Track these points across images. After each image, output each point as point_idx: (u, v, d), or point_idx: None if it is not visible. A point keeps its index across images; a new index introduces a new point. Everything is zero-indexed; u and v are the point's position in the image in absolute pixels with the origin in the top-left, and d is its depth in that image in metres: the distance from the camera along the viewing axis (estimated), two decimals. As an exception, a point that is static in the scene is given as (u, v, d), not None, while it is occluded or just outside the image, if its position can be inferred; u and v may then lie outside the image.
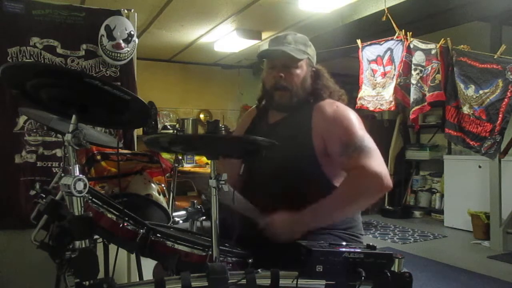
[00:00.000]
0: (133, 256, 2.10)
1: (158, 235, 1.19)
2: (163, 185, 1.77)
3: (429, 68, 3.84)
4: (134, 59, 2.51)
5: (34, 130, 2.26)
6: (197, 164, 5.20)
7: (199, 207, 1.66)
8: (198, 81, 6.55)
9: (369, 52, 4.19)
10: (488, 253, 4.21)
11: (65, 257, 1.06)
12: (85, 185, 1.06)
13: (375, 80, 4.14)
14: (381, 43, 4.07)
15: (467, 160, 5.28)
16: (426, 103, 3.87)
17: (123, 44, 2.38)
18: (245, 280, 1.09)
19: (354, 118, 1.51)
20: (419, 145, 6.43)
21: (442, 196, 5.81)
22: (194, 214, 1.65)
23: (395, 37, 3.95)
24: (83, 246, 1.06)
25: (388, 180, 1.40)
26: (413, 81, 3.90)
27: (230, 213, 1.38)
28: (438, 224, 5.62)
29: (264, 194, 1.49)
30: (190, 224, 1.66)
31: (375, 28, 4.17)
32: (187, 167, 5.05)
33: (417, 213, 6.25)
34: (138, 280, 1.92)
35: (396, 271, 1.17)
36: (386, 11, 3.66)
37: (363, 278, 1.13)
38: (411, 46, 3.91)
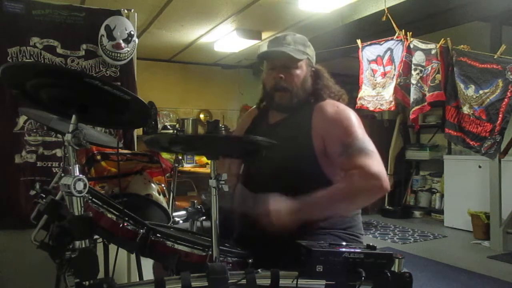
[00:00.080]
0: (133, 256, 2.10)
1: (158, 235, 1.19)
2: (163, 185, 1.77)
3: (429, 68, 3.84)
4: (134, 59, 2.51)
5: (34, 130, 2.26)
6: (197, 164, 5.20)
7: (199, 207, 1.66)
8: (198, 81, 6.55)
9: (369, 52, 4.19)
10: (488, 253, 4.21)
11: (65, 257, 1.06)
12: (85, 185, 1.06)
13: (375, 80, 4.14)
14: (381, 43, 4.07)
15: (467, 160, 5.28)
16: (426, 103, 3.87)
17: (123, 44, 2.38)
18: (245, 280, 1.09)
19: (355, 119, 1.51)
20: (419, 145, 6.43)
21: (442, 196, 5.81)
22: (194, 214, 1.65)
23: (395, 37, 3.95)
24: (83, 246, 1.06)
25: (387, 183, 1.40)
26: (413, 81, 3.90)
27: (230, 213, 1.38)
28: (438, 224, 5.62)
29: (265, 194, 1.49)
30: (190, 224, 1.66)
31: (375, 28, 4.17)
32: (187, 167, 5.05)
33: (417, 213, 6.25)
34: (138, 280, 1.92)
35: (396, 271, 1.17)
36: (386, 11, 3.66)
37: (363, 278, 1.13)
38: (411, 46, 3.91)
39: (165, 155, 2.26)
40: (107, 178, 1.64)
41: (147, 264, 1.63)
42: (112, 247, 1.39)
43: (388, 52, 4.02)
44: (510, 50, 3.59)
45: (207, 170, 4.77)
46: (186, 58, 6.22)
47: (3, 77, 1.08)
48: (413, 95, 3.88)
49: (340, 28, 4.31)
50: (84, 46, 2.37)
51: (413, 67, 3.91)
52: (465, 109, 3.76)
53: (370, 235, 5.03)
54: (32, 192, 1.28)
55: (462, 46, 3.78)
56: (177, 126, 5.93)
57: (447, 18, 3.99)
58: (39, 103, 1.24)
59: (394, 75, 3.97)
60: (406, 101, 3.98)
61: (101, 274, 1.08)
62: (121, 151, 1.95)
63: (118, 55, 2.38)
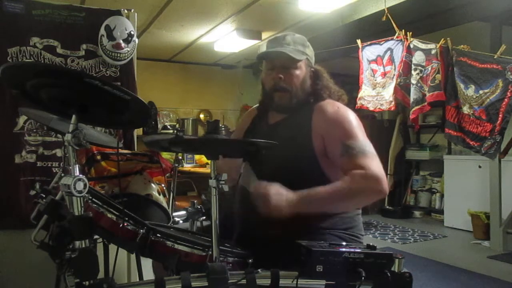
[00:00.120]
0: (133, 256, 2.10)
1: (158, 235, 1.19)
2: (163, 185, 1.77)
3: (429, 68, 3.84)
4: (134, 59, 2.51)
5: (34, 130, 2.26)
6: (197, 164, 5.20)
7: (199, 207, 1.66)
8: (198, 81, 6.55)
9: (369, 52, 4.19)
10: (488, 253, 4.22)
11: (65, 257, 1.06)
12: (85, 185, 1.06)
13: (375, 80, 4.14)
14: (381, 43, 4.07)
15: (467, 160, 5.28)
16: (426, 103, 3.87)
17: (123, 44, 2.38)
18: (245, 280, 1.09)
19: (355, 121, 1.51)
20: (419, 145, 6.43)
21: (442, 196, 5.81)
22: (194, 214, 1.65)
23: (395, 37, 3.95)
24: (83, 246, 1.06)
25: (386, 186, 1.40)
26: (413, 81, 3.90)
27: (230, 213, 1.38)
28: (438, 224, 5.62)
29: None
30: (190, 224, 1.66)
31: (375, 28, 4.17)
32: (187, 167, 5.05)
33: (417, 213, 6.25)
34: (138, 280, 1.92)
35: (396, 271, 1.17)
36: (386, 11, 3.66)
37: (363, 278, 1.13)
38: (411, 46, 3.91)
39: (165, 155, 2.26)
40: (107, 178, 1.64)
41: (147, 264, 1.63)
42: (112, 247, 1.39)
43: (388, 52, 4.02)
44: (510, 50, 3.58)
45: (207, 170, 4.76)
46: (186, 58, 6.22)
47: (3, 77, 1.08)
48: (413, 95, 3.88)
49: (340, 28, 4.31)
50: (84, 46, 2.37)
51: (413, 67, 3.91)
52: (465, 109, 3.76)
53: (370, 235, 5.03)
54: (32, 192, 1.28)
55: (462, 46, 3.78)
56: (177, 126, 5.93)
57: (447, 18, 3.99)
58: (39, 103, 1.24)
59: (394, 75, 3.97)
60: (406, 101, 3.98)
61: (101, 274, 1.08)
62: (121, 151, 1.95)
63: (118, 55, 2.38)
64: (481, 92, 3.64)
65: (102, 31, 2.35)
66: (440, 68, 3.78)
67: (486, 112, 3.61)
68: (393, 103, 3.96)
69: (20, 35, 2.25)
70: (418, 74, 3.89)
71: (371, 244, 1.23)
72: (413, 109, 3.90)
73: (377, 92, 4.10)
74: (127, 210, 1.18)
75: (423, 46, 3.88)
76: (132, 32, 2.42)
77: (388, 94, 3.98)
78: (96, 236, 1.22)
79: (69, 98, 1.14)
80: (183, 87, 6.49)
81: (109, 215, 1.17)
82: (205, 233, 1.42)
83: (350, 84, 3.94)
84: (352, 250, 1.17)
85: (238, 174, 1.56)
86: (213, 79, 6.66)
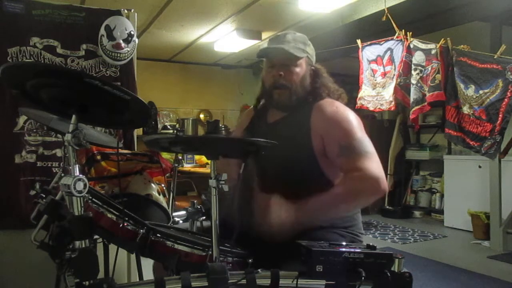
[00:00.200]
0: (133, 256, 2.10)
1: (158, 235, 1.19)
2: (163, 185, 1.77)
3: (429, 68, 3.84)
4: (134, 59, 2.51)
5: (34, 130, 2.26)
6: (197, 164, 5.20)
7: (199, 207, 1.66)
8: (198, 81, 6.55)
9: (369, 52, 4.19)
10: (488, 253, 4.21)
11: (65, 257, 1.06)
12: (85, 185, 1.06)
13: (375, 80, 4.14)
14: (381, 43, 4.07)
15: (467, 160, 5.28)
16: (426, 103, 3.87)
17: (123, 44, 2.38)
18: (245, 280, 1.09)
19: (354, 120, 1.51)
20: (419, 145, 6.43)
21: (442, 196, 5.81)
22: (194, 214, 1.65)
23: (395, 37, 3.95)
24: (83, 246, 1.06)
25: (385, 185, 1.40)
26: (413, 81, 3.90)
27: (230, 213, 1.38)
28: (438, 224, 5.62)
29: (264, 194, 1.49)
30: (190, 224, 1.66)
31: (375, 28, 4.17)
32: (187, 167, 5.05)
33: (417, 213, 6.25)
34: (138, 280, 1.92)
35: (396, 271, 1.17)
36: (386, 11, 3.66)
37: (363, 278, 1.13)
38: (411, 46, 3.91)
39: (165, 155, 2.26)
40: (107, 178, 1.64)
41: (147, 264, 1.63)
42: (112, 247, 1.39)
43: (388, 52, 4.02)
44: (510, 50, 3.58)
45: (207, 170, 4.76)
46: (186, 58, 6.22)
47: (3, 77, 1.08)
48: (413, 95, 3.88)
49: (340, 28, 4.31)
50: (84, 46, 2.37)
51: (413, 67, 3.91)
52: (465, 109, 3.76)
53: (370, 235, 5.03)
54: (32, 192, 1.28)
55: (462, 46, 3.78)
56: (177, 126, 5.93)
57: (447, 18, 3.99)
58: (39, 103, 1.24)
59: (394, 75, 3.97)
60: (406, 101, 3.98)
61: (101, 274, 1.08)
62: (121, 151, 1.95)
63: (118, 55, 2.38)
64: (481, 92, 3.64)
65: (102, 31, 2.35)
66: (440, 68, 3.78)
67: (486, 112, 3.61)
68: (393, 103, 3.95)
69: (20, 35, 2.25)
70: (418, 74, 3.89)
71: (371, 244, 1.23)
72: (413, 109, 3.90)
73: (377, 92, 4.10)
74: (127, 210, 1.18)
75: (423, 46, 3.88)
76: (132, 32, 2.42)
77: (388, 94, 3.98)
78: (96, 236, 1.22)
79: (69, 98, 1.14)
80: (183, 87, 6.49)
81: (109, 215, 1.17)
82: (205, 233, 1.42)
83: (350, 84, 3.93)
84: (352, 250, 1.17)
85: (238, 174, 1.56)
86: (213, 79, 6.66)
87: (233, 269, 1.16)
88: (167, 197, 1.78)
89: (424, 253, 4.18)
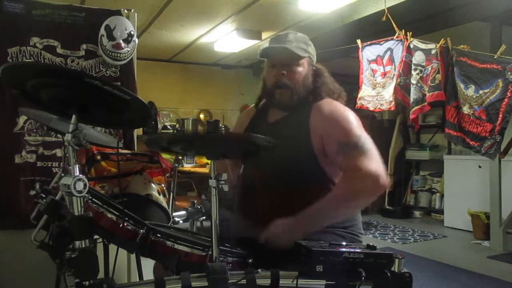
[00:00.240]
0: (133, 256, 2.10)
1: (158, 235, 1.19)
2: (163, 185, 1.77)
3: (429, 68, 3.84)
4: (134, 59, 2.51)
5: (34, 130, 2.26)
6: (197, 164, 5.21)
7: (199, 207, 1.66)
8: (198, 81, 6.55)
9: (369, 52, 4.19)
10: (488, 253, 4.21)
11: (65, 257, 1.06)
12: (85, 185, 1.06)
13: (375, 80, 4.14)
14: (381, 43, 4.07)
15: (467, 160, 5.28)
16: (426, 103, 3.87)
17: (123, 44, 2.38)
18: (245, 280, 1.09)
19: (352, 118, 1.51)
20: (419, 145, 6.43)
21: (442, 196, 5.81)
22: (194, 214, 1.65)
23: (395, 37, 3.95)
24: (83, 246, 1.06)
25: (385, 181, 1.39)
26: (413, 81, 3.90)
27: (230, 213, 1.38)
28: (438, 224, 5.62)
29: (264, 194, 1.49)
30: (190, 224, 1.66)
31: (375, 28, 4.17)
32: (187, 167, 5.06)
33: (417, 213, 6.25)
34: (138, 280, 1.92)
35: (396, 271, 1.17)
36: (386, 11, 3.66)
37: (363, 278, 1.13)
38: (411, 46, 3.91)
39: (165, 155, 2.26)
40: (107, 178, 1.64)
41: (147, 264, 1.63)
42: (112, 247, 1.39)
43: (388, 52, 4.02)
44: (510, 50, 3.58)
45: (207, 170, 4.77)
46: (186, 58, 6.22)
47: (3, 77, 1.08)
48: (413, 95, 3.88)
49: (340, 28, 4.31)
50: (84, 46, 2.37)
51: (413, 67, 3.91)
52: (465, 109, 3.76)
53: (370, 235, 5.03)
54: (32, 192, 1.28)
55: (462, 46, 3.78)
56: (177, 126, 5.92)
57: (447, 18, 3.99)
58: (39, 103, 1.24)
59: (394, 75, 3.97)
60: (406, 101, 3.98)
61: (101, 274, 1.08)
62: (121, 151, 1.95)
63: (118, 55, 2.38)
64: (481, 92, 3.64)
65: (102, 31, 2.34)
66: (440, 68, 3.78)
67: (486, 112, 3.61)
68: (393, 103, 3.96)
69: (20, 35, 2.25)
70: (418, 74, 3.89)
71: (371, 244, 1.23)
72: (413, 109, 3.90)
73: (377, 92, 4.10)
74: (127, 210, 1.18)
75: (423, 46, 3.88)
76: (132, 32, 2.42)
77: (388, 94, 3.98)
78: (96, 236, 1.22)
79: (69, 98, 1.14)
80: (183, 87, 6.49)
81: (109, 215, 1.17)
82: (205, 233, 1.42)
83: (350, 84, 3.93)
84: (352, 250, 1.17)
85: (237, 174, 1.56)
86: (213, 79, 6.66)
87: (233, 269, 1.16)
88: (167, 197, 1.78)
89: (424, 253, 4.18)
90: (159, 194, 1.67)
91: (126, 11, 2.46)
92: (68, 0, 2.63)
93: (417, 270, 3.56)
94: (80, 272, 1.04)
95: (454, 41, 3.81)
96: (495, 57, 3.57)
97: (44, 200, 1.23)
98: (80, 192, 1.05)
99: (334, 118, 1.50)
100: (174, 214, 1.65)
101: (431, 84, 3.81)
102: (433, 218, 6.03)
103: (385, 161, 6.23)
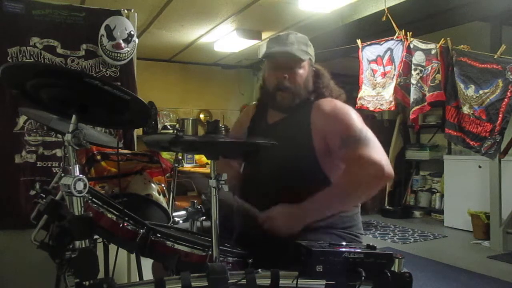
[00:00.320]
0: (133, 256, 2.10)
1: (158, 235, 1.19)
2: (163, 185, 1.77)
3: (429, 68, 3.84)
4: (134, 59, 2.51)
5: (34, 130, 2.26)
6: (197, 164, 5.20)
7: (199, 207, 1.66)
8: (198, 81, 6.55)
9: (369, 52, 4.19)
10: (488, 253, 4.21)
11: (65, 257, 1.06)
12: (85, 185, 1.06)
13: (375, 80, 4.14)
14: (381, 43, 4.07)
15: (467, 160, 5.28)
16: (426, 103, 3.87)
17: (123, 44, 2.38)
18: (245, 280, 1.09)
19: (353, 113, 1.52)
20: (419, 145, 6.43)
21: (442, 196, 5.81)
22: (194, 214, 1.65)
23: (395, 37, 3.96)
24: (83, 246, 1.06)
25: (389, 168, 1.39)
26: (413, 81, 3.90)
27: (230, 211, 1.38)
28: (438, 224, 5.62)
29: (264, 194, 1.49)
30: (190, 224, 1.66)
31: (375, 28, 4.17)
32: (187, 167, 5.05)
33: (417, 213, 6.25)
34: (138, 280, 1.92)
35: (396, 271, 1.17)
36: (386, 11, 3.66)
37: (363, 278, 1.13)
38: (411, 46, 3.91)
39: (165, 155, 2.27)
40: (107, 178, 1.64)
41: (147, 264, 1.63)
42: (112, 247, 1.39)
43: (388, 52, 4.02)
44: (510, 50, 3.59)
45: (207, 170, 4.77)
46: (186, 58, 6.22)
47: (3, 77, 1.08)
48: (413, 95, 3.88)
49: (340, 28, 4.30)
50: (84, 46, 2.37)
51: (413, 67, 3.91)
52: (465, 109, 3.76)
53: (370, 235, 5.03)
54: (32, 192, 1.28)
55: (462, 46, 3.78)
56: (177, 126, 5.93)
57: (447, 18, 3.99)
58: (39, 103, 1.24)
59: (394, 75, 3.97)
60: (406, 101, 3.98)
61: (101, 274, 1.08)
62: (121, 151, 1.95)
63: (118, 55, 2.38)
64: (481, 92, 3.64)
65: (102, 31, 2.34)
66: (440, 68, 3.78)
67: (486, 112, 3.61)
68: (393, 103, 3.96)
69: (20, 35, 2.25)
70: (418, 74, 3.89)
71: (371, 244, 1.23)
72: (413, 109, 3.90)
73: (377, 92, 4.10)
74: (127, 210, 1.18)
75: (423, 46, 3.88)
76: (132, 32, 2.42)
77: (388, 94, 3.99)
78: (96, 236, 1.22)
79: (69, 98, 1.14)
80: (183, 87, 6.49)
81: (109, 215, 1.17)
82: (205, 233, 1.42)
83: (350, 84, 3.94)
84: (352, 250, 1.17)
85: (236, 175, 1.56)
86: (213, 79, 6.66)
87: (233, 269, 1.16)
88: (167, 197, 1.78)
89: (424, 253, 4.18)
90: (159, 194, 1.67)
91: (126, 11, 2.46)
92: (68, 0, 2.63)
93: (417, 270, 3.56)
94: (80, 272, 1.04)
95: (454, 41, 3.81)
96: (495, 57, 3.57)
97: (44, 200, 1.23)
98: (80, 192, 1.05)
99: (335, 114, 1.51)
100: (174, 214, 1.64)
101: (431, 84, 3.81)
102: (433, 218, 6.03)
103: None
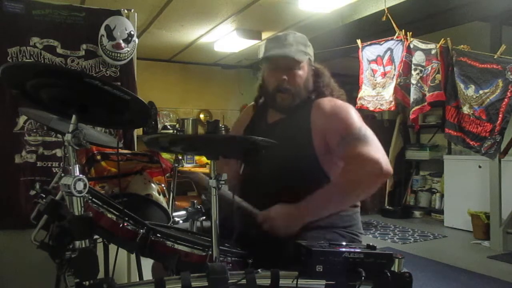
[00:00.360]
0: (133, 256, 2.10)
1: (158, 235, 1.19)
2: (163, 185, 1.77)
3: (429, 68, 3.84)
4: (134, 59, 2.51)
5: (34, 130, 2.26)
6: (197, 164, 5.20)
7: (199, 207, 1.66)
8: (198, 81, 6.55)
9: (369, 52, 4.19)
10: (488, 253, 4.21)
11: (65, 257, 1.06)
12: (85, 185, 1.06)
13: (375, 80, 4.14)
14: (381, 43, 4.07)
15: (467, 160, 5.28)
16: (426, 103, 3.87)
17: (123, 44, 2.38)
18: (245, 280, 1.09)
19: (353, 112, 1.52)
20: (419, 145, 6.43)
21: (442, 196, 5.81)
22: (194, 214, 1.65)
23: (395, 37, 3.96)
24: (83, 246, 1.06)
25: (387, 166, 1.39)
26: (413, 81, 3.90)
27: (230, 211, 1.38)
28: (438, 224, 5.62)
29: (265, 194, 1.49)
30: (190, 224, 1.66)
31: (375, 28, 4.17)
32: (187, 167, 5.05)
33: (417, 213, 6.25)
34: (138, 280, 1.92)
35: (396, 271, 1.17)
36: (386, 11, 3.66)
37: (363, 278, 1.13)
38: (411, 46, 3.91)
39: (165, 155, 2.26)
40: (107, 178, 1.64)
41: (147, 264, 1.63)
42: (112, 247, 1.39)
43: (388, 52, 4.02)
44: (510, 50, 3.59)
45: (207, 170, 4.76)
46: (186, 58, 6.22)
47: (3, 77, 1.08)
48: (413, 95, 3.89)
49: (340, 28, 4.31)
50: (84, 46, 2.37)
51: (413, 67, 3.91)
52: (465, 109, 3.76)
53: (370, 235, 5.03)
54: (32, 192, 1.28)
55: (462, 46, 3.78)
56: (177, 126, 5.93)
57: (447, 18, 3.99)
58: (39, 103, 1.24)
59: (394, 75, 3.97)
60: (406, 101, 3.98)
61: (101, 274, 1.08)
62: (121, 151, 1.95)
63: (118, 55, 2.38)
64: (481, 92, 3.64)
65: (102, 31, 2.34)
66: (440, 68, 3.79)
67: (486, 112, 3.61)
68: (393, 103, 3.96)
69: (20, 35, 2.25)
70: (418, 74, 3.89)
71: (371, 244, 1.23)
72: (413, 109, 3.91)
73: (377, 92, 4.10)
74: (127, 210, 1.18)
75: (423, 46, 3.88)
76: (132, 32, 2.42)
77: (388, 94, 3.99)
78: (96, 236, 1.22)
79: (69, 98, 1.14)
80: (183, 87, 6.49)
81: (109, 215, 1.16)
82: (205, 233, 1.42)
83: (350, 84, 3.94)
84: (352, 250, 1.17)
85: (236, 175, 1.56)
86: (213, 79, 6.66)
87: (233, 269, 1.16)
88: (167, 197, 1.78)
89: (424, 253, 4.18)
90: (159, 194, 1.67)
91: (126, 11, 2.46)
92: (68, 0, 2.63)
93: (417, 270, 3.56)
94: (80, 272, 1.04)
95: (454, 41, 3.81)
96: (495, 57, 3.57)
97: (44, 200, 1.23)
98: (80, 192, 1.05)
99: (335, 113, 1.51)
100: (174, 214, 1.64)
101: (431, 84, 3.81)
102: (433, 218, 6.03)
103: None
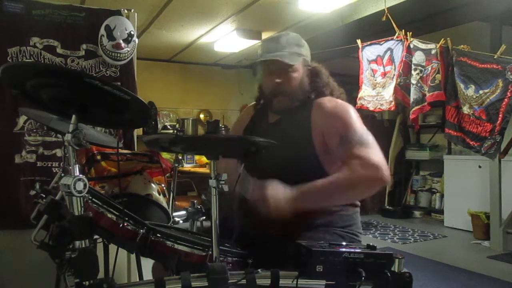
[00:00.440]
0: (133, 256, 2.10)
1: (158, 235, 1.19)
2: (163, 185, 1.77)
3: (429, 68, 3.84)
4: (134, 59, 2.51)
5: (34, 130, 2.26)
6: (197, 164, 5.21)
7: (199, 207, 1.66)
8: (198, 81, 6.55)
9: (369, 52, 4.19)
10: (488, 253, 4.22)
11: (65, 257, 1.06)
12: (85, 185, 1.06)
13: (375, 80, 4.14)
14: (381, 43, 4.07)
15: (467, 160, 5.28)
16: (426, 103, 3.87)
17: (123, 44, 2.38)
18: (245, 280, 1.09)
19: (354, 114, 1.52)
20: (419, 145, 6.43)
21: (442, 196, 5.81)
22: (194, 214, 1.65)
23: (395, 37, 3.96)
24: (83, 246, 1.06)
25: (387, 173, 1.38)
26: (413, 81, 3.90)
27: (230, 212, 1.38)
28: (438, 224, 5.62)
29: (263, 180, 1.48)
30: (190, 224, 1.66)
31: (375, 28, 4.17)
32: (187, 167, 5.06)
33: (417, 213, 6.25)
34: (138, 280, 1.92)
35: (396, 271, 1.17)
36: (386, 11, 3.66)
37: (363, 278, 1.13)
38: (411, 46, 3.91)
39: (165, 155, 2.26)
40: (107, 178, 1.64)
41: (147, 264, 1.63)
42: (112, 247, 1.39)
43: (388, 52, 4.02)
44: (510, 50, 3.59)
45: (207, 170, 4.77)
46: (186, 58, 6.22)
47: (3, 77, 1.08)
48: (413, 95, 3.89)
49: (340, 28, 4.31)
50: (84, 46, 2.37)
51: (413, 67, 3.91)
52: (465, 109, 3.76)
53: (370, 235, 5.03)
54: (32, 192, 1.28)
55: (462, 46, 3.78)
56: (177, 126, 5.93)
57: (447, 18, 3.99)
58: (39, 103, 1.24)
59: (394, 75, 3.97)
60: (406, 101, 3.98)
61: (101, 274, 1.08)
62: (121, 151, 1.95)
63: (118, 55, 2.38)
64: (481, 92, 3.64)
65: (102, 31, 2.35)
66: (440, 68, 3.79)
67: (486, 112, 3.61)
68: (393, 103, 3.96)
69: (20, 35, 2.25)
70: (418, 74, 3.89)
71: (371, 244, 1.23)
72: (413, 109, 3.91)
73: (377, 92, 4.10)
74: (127, 210, 1.18)
75: (423, 46, 3.88)
76: (132, 32, 2.42)
77: (388, 94, 3.99)
78: (96, 236, 1.22)
79: (69, 98, 1.14)
80: (183, 87, 6.49)
81: (109, 215, 1.17)
82: (205, 233, 1.42)
83: (350, 84, 3.94)
84: (352, 250, 1.17)
85: (237, 175, 1.56)
86: (213, 79, 6.66)
87: (233, 269, 1.16)
88: (167, 197, 1.78)
89: (424, 253, 4.18)
90: (159, 194, 1.67)
91: (126, 11, 2.46)
92: (68, 0, 2.63)
93: (417, 270, 3.56)
94: (80, 272, 1.04)
95: (454, 41, 3.81)
96: (495, 57, 3.57)
97: (44, 200, 1.23)
98: (80, 192, 1.05)
99: (335, 113, 1.51)
100: (174, 214, 1.64)
101: (431, 84, 3.81)
102: (433, 218, 6.03)
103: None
